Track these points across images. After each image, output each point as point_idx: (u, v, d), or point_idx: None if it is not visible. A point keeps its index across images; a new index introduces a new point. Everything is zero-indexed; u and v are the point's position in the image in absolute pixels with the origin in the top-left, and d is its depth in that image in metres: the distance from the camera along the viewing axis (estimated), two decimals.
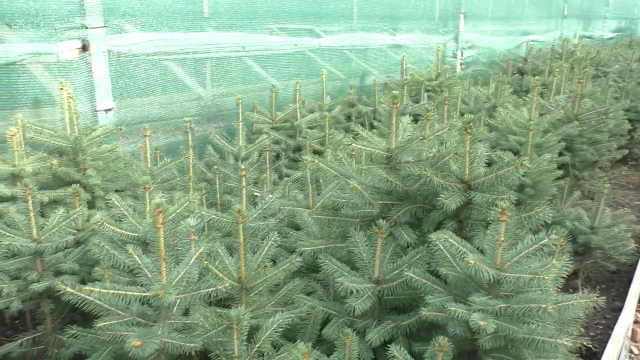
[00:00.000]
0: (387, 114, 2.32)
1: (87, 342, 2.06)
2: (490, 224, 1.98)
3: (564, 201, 4.01)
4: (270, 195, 3.36)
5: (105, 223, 2.17)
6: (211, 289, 1.79)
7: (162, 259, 1.75)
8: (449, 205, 2.09)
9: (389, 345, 1.84)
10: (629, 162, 6.63)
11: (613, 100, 5.96)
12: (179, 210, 2.41)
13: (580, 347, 3.01)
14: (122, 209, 2.35)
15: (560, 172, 3.90)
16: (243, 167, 2.41)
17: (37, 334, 2.41)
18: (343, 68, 6.49)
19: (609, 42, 16.66)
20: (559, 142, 4.23)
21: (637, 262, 3.85)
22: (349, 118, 5.64)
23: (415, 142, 2.20)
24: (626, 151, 5.52)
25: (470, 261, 1.71)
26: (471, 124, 2.12)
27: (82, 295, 1.72)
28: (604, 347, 2.94)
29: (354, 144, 2.27)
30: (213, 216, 2.49)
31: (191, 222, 2.12)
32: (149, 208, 2.27)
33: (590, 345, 3.06)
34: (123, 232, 2.22)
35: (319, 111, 5.38)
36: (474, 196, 2.17)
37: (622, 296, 3.74)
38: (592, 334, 3.29)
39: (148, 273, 1.82)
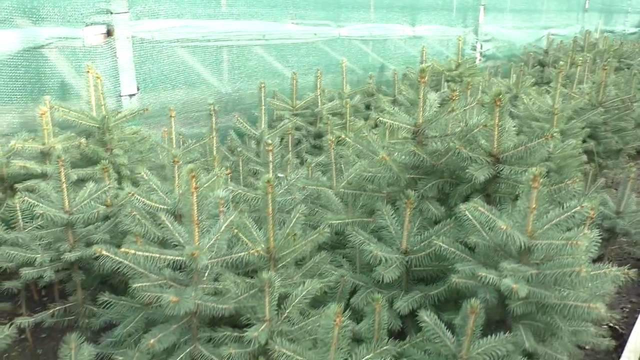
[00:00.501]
0: (413, 89, 2.32)
1: (118, 310, 2.10)
2: (518, 196, 1.98)
3: (588, 187, 3.96)
4: (295, 174, 3.39)
5: (135, 195, 2.21)
6: (243, 254, 1.80)
7: (194, 223, 1.77)
8: (478, 177, 2.08)
9: (417, 313, 1.84)
10: None
11: (637, 90, 5.87)
12: (206, 185, 2.44)
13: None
14: (151, 182, 2.38)
15: (585, 157, 3.86)
16: (270, 142, 2.43)
17: (68, 304, 2.46)
18: (362, 59, 6.48)
19: (631, 36, 16.38)
20: (583, 128, 4.18)
21: None
22: (368, 107, 5.63)
23: (444, 115, 2.19)
24: None
25: (502, 226, 1.71)
26: (501, 96, 2.11)
27: (118, 258, 1.75)
28: (630, 330, 2.91)
29: (381, 118, 2.27)
30: (240, 191, 2.51)
31: (220, 194, 2.15)
32: (177, 179, 2.30)
33: (617, 327, 3.02)
34: (153, 204, 2.25)
35: (339, 99, 5.39)
36: (503, 169, 2.16)
37: None
38: (617, 317, 3.24)
39: (180, 238, 1.85)
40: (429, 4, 7.51)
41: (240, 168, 3.50)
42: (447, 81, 6.22)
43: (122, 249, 1.67)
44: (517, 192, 2.19)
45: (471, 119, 2.33)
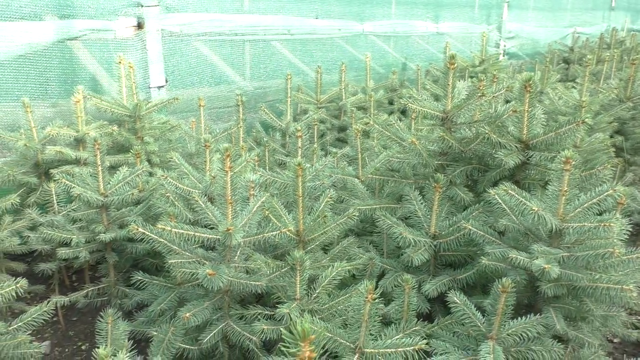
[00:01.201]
0: (443, 75, 2.33)
1: (151, 290, 2.15)
2: (548, 183, 1.98)
3: (616, 181, 3.91)
4: (322, 162, 3.42)
5: (168, 177, 2.26)
6: (275, 232, 1.84)
7: (228, 202, 1.82)
8: (507, 162, 2.09)
9: (446, 295, 1.85)
10: None
11: None
12: (238, 169, 2.49)
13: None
14: (183, 166, 2.44)
15: (612, 150, 3.81)
16: (299, 128, 2.46)
17: (101, 285, 2.52)
18: (384, 55, 6.49)
19: None
20: (611, 123, 4.13)
21: None
22: (391, 103, 5.64)
23: (474, 100, 2.20)
24: None
25: (534, 207, 1.71)
26: (531, 81, 2.11)
27: (154, 235, 1.80)
28: None
29: (410, 104, 2.29)
30: (269, 176, 2.55)
31: (251, 177, 2.19)
32: (209, 163, 2.35)
33: None
34: (185, 187, 2.30)
35: (362, 94, 5.42)
36: (532, 155, 2.16)
37: None
38: None
39: (214, 218, 1.89)
40: (452, 0, 7.49)
41: (267, 158, 3.54)
42: (471, 77, 6.19)
43: (159, 225, 1.72)
44: (546, 179, 2.19)
45: (500, 107, 2.33)
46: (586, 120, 2.05)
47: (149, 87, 4.08)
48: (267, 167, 3.56)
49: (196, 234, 1.77)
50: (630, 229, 2.13)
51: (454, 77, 2.28)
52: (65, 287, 3.22)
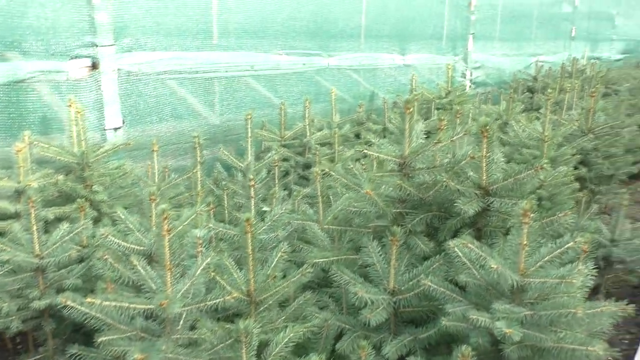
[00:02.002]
0: (399, 119, 2.26)
1: None
2: (510, 230, 1.90)
3: (582, 214, 3.89)
4: (279, 209, 3.30)
5: (109, 236, 2.10)
6: (218, 300, 1.70)
7: (167, 268, 1.67)
8: (467, 211, 2.00)
9: (406, 359, 1.73)
10: None
11: (626, 116, 5.86)
12: (186, 223, 2.34)
13: None
14: (127, 222, 2.28)
15: (577, 184, 3.80)
16: (252, 177, 2.34)
17: (38, 357, 2.31)
18: (351, 88, 6.48)
19: (616, 63, 16.62)
20: (574, 155, 4.14)
21: None
22: (357, 136, 5.58)
23: (430, 146, 2.12)
24: None
25: (493, 265, 1.61)
26: (488, 126, 2.05)
27: (84, 309, 1.64)
28: None
29: (366, 151, 2.20)
30: (221, 229, 2.42)
31: (198, 233, 2.05)
32: (154, 217, 2.20)
33: None
34: (128, 245, 2.14)
35: (328, 129, 5.35)
36: (493, 202, 2.08)
37: None
38: (617, 349, 3.12)
39: (152, 285, 1.74)
40: (418, 33, 7.57)
41: (225, 202, 3.41)
42: (437, 109, 6.21)
43: (88, 299, 1.56)
44: (508, 226, 2.11)
45: (460, 150, 2.26)
46: (545, 166, 1.98)
47: (105, 129, 3.93)
48: (226, 212, 3.42)
49: (131, 305, 1.62)
50: (596, 270, 2.07)
51: (410, 121, 2.21)
52: (7, 351, 2.97)
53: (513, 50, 10.36)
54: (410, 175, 2.27)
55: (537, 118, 5.29)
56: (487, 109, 6.31)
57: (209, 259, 1.84)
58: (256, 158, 4.60)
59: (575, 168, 4.30)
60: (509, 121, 5.79)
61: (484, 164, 2.07)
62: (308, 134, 4.53)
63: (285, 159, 4.45)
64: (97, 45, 3.76)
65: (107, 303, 1.58)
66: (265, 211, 3.36)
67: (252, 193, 2.36)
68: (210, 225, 2.42)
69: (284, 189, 4.16)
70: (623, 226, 3.47)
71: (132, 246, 2.17)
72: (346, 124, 5.47)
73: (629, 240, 3.48)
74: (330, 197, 3.71)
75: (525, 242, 1.67)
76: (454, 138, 2.24)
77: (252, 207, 2.39)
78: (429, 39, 7.86)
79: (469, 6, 8.52)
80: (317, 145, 4.19)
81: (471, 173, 2.14)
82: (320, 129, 5.31)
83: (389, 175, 2.25)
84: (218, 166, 4.06)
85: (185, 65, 4.49)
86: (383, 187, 2.34)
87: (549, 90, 4.22)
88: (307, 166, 4.48)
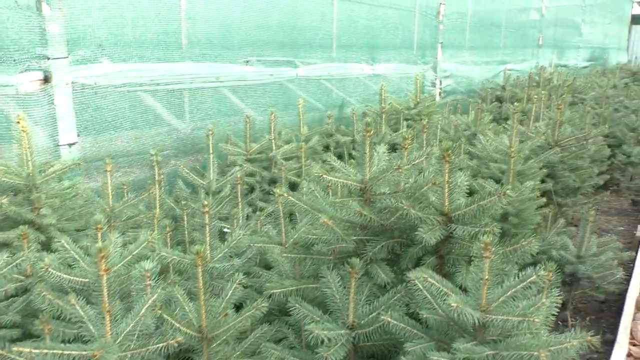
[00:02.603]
0: (360, 143, 2.17)
1: None
2: (473, 258, 1.83)
3: (549, 229, 3.88)
4: (240, 232, 3.18)
5: (50, 269, 1.95)
6: (161, 345, 1.57)
7: (105, 311, 1.54)
8: (428, 240, 1.92)
9: None
10: (611, 188, 6.58)
11: (592, 126, 5.95)
12: (136, 252, 2.20)
13: None
14: (72, 252, 2.13)
15: (544, 199, 3.79)
16: (206, 202, 2.22)
17: None
18: (321, 98, 6.40)
19: (583, 70, 17.05)
20: (541, 168, 4.13)
21: (625, 290, 3.70)
22: (327, 148, 5.50)
23: (390, 172, 2.04)
24: (607, 177, 5.46)
25: (453, 304, 1.53)
26: (449, 151, 1.98)
27: (12, 356, 1.49)
28: None
29: (325, 176, 2.10)
30: (174, 257, 2.29)
31: (146, 266, 1.92)
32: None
33: None
34: (71, 278, 1.99)
35: (296, 142, 5.25)
36: (455, 229, 2.01)
37: (613, 327, 3.58)
38: None
39: (92, 327, 1.60)
40: (387, 42, 7.55)
41: (185, 223, 3.27)
42: (407, 119, 6.18)
43: (15, 348, 1.42)
44: (471, 254, 2.04)
45: (422, 173, 2.18)
46: (507, 192, 1.92)
47: (58, 145, 3.74)
48: (186, 233, 3.27)
49: (64, 352, 1.48)
50: (559, 299, 2.01)
51: (370, 145, 2.12)
52: None
53: (482, 59, 10.48)
54: (372, 200, 2.19)
55: (505, 130, 5.31)
56: (455, 120, 6.31)
57: (155, 296, 1.72)
58: (221, 172, 4.48)
59: (542, 181, 4.30)
60: (477, 132, 5.80)
61: (446, 190, 2.00)
62: (274, 148, 4.42)
63: (250, 174, 4.34)
64: (48, 58, 3.58)
65: (37, 351, 1.44)
66: (226, 232, 3.25)
67: (207, 220, 2.24)
68: (163, 253, 2.29)
69: (249, 205, 4.05)
70: (589, 242, 3.46)
71: (76, 279, 2.02)
72: (314, 136, 5.38)
73: (595, 257, 3.48)
74: (296, 214, 3.62)
75: (487, 277, 1.60)
76: (416, 162, 2.17)
77: (207, 235, 2.26)
78: (398, 49, 7.86)
79: (438, 15, 8.56)
80: (282, 161, 4.09)
81: (433, 198, 2.07)
82: (288, 141, 5.21)
83: (350, 201, 2.16)
84: (180, 183, 3.91)
85: (146, 77, 4.33)
86: (345, 210, 2.26)
87: (516, 104, 4.20)
88: (274, 181, 4.37)
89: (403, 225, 2.11)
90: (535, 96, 6.28)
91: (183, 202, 3.26)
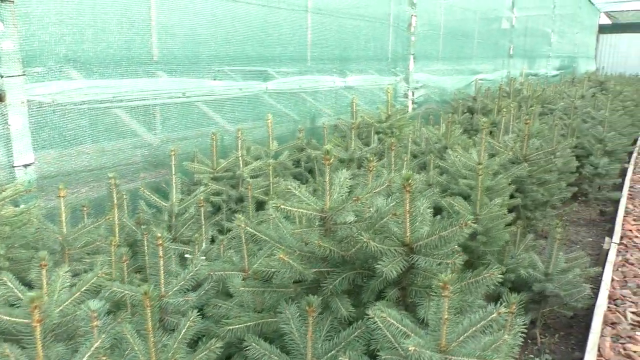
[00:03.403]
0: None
1: None
2: (433, 295, 1.77)
3: (517, 245, 3.87)
4: (200, 258, 3.08)
5: None
6: None
7: None
8: (389, 273, 1.86)
9: None
10: (579, 198, 6.66)
11: (560, 138, 6.01)
12: (84, 288, 2.09)
13: None
14: (15, 290, 2.01)
15: (512, 216, 3.78)
16: (159, 234, 2.12)
17: None
18: (292, 111, 6.34)
19: (553, 79, 17.41)
20: (510, 184, 4.13)
21: (593, 305, 3.71)
22: (297, 163, 5.43)
23: (350, 203, 1.98)
24: (576, 188, 5.51)
25: (410, 347, 1.47)
26: (410, 180, 1.92)
27: None
28: None
29: (283, 206, 2.03)
30: (127, 291, 2.17)
31: (92, 306, 1.81)
32: (46, 286, 1.94)
33: None
34: (12, 319, 1.87)
35: (265, 157, 5.16)
36: (417, 260, 1.95)
37: (581, 344, 3.58)
38: None
39: None
40: (359, 54, 7.54)
41: (146, 249, 3.15)
42: (378, 133, 6.16)
43: None
44: (433, 285, 1.99)
45: (386, 200, 2.12)
46: (469, 222, 1.87)
47: (13, 167, 3.58)
48: (147, 258, 3.15)
49: None
50: (524, 330, 1.97)
51: (330, 173, 2.06)
52: None
53: (454, 69, 10.57)
54: (332, 229, 2.12)
55: (474, 143, 5.31)
56: (427, 133, 6.31)
57: (98, 342, 1.61)
58: (187, 191, 4.36)
59: (512, 196, 4.31)
60: (448, 146, 5.81)
61: (407, 221, 1.94)
62: (241, 165, 4.33)
63: (217, 193, 4.23)
64: (2, 76, 3.43)
65: None
66: (188, 257, 3.14)
67: (161, 252, 2.13)
68: (115, 288, 2.18)
69: (215, 226, 3.95)
70: (557, 259, 3.46)
71: (18, 320, 1.90)
72: (285, 151, 5.31)
73: (563, 274, 3.47)
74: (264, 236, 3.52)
75: (446, 317, 1.54)
76: (377, 190, 2.11)
77: (161, 269, 2.16)
78: (370, 60, 7.85)
79: (409, 27, 8.60)
80: (249, 180, 3.99)
81: (395, 228, 2.01)
82: (257, 157, 5.13)
83: (310, 231, 2.08)
84: (142, 204, 3.78)
85: (108, 93, 4.20)
86: (306, 237, 2.18)
87: (484, 120, 4.20)
88: (241, 200, 4.27)
89: (364, 256, 2.05)
90: (505, 109, 6.33)
91: (143, 227, 3.14)
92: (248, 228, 2.13)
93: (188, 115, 4.99)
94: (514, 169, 4.26)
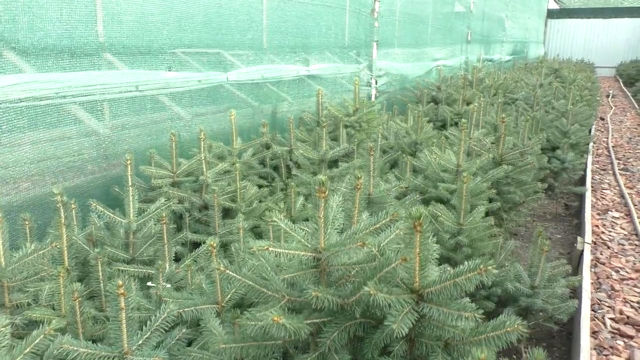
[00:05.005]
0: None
1: None
2: (449, 343, 1.53)
3: (499, 252, 3.73)
4: (167, 285, 2.73)
5: None
6: None
7: None
8: (400, 330, 1.59)
9: None
10: (545, 192, 6.66)
11: (530, 134, 5.93)
12: (28, 350, 1.71)
13: None
14: None
15: (491, 219, 3.62)
16: (120, 283, 1.76)
17: None
18: (254, 102, 5.94)
19: (507, 64, 17.65)
20: (490, 188, 3.96)
21: (575, 313, 3.62)
22: (262, 163, 5.09)
23: (350, 247, 1.69)
24: (545, 185, 5.45)
25: None
26: (421, 219, 1.65)
27: None
28: None
29: (271, 249, 1.71)
30: (82, 349, 1.81)
31: None
32: None
33: None
34: None
35: (229, 156, 4.79)
36: (429, 310, 1.69)
37: (565, 357, 3.50)
38: None
39: None
40: (321, 42, 7.18)
41: (100, 274, 2.76)
42: (346, 127, 5.87)
43: None
44: (446, 338, 1.74)
45: (386, 237, 1.85)
46: (489, 268, 1.63)
47: None
48: (102, 286, 2.76)
49: None
50: None
51: (325, 209, 1.75)
52: None
53: (414, 56, 10.40)
54: (328, 271, 1.83)
55: (449, 143, 5.13)
56: (395, 126, 6.09)
57: None
58: (145, 199, 3.95)
59: (490, 200, 4.14)
60: (418, 141, 5.61)
61: (417, 265, 1.68)
62: (204, 170, 3.94)
63: (179, 201, 3.84)
64: None
65: None
66: (151, 286, 2.78)
67: (122, 303, 1.77)
68: (67, 346, 1.80)
69: (178, 241, 3.57)
70: (543, 273, 3.32)
71: None
72: (249, 149, 4.96)
73: (549, 287, 3.35)
74: (234, 250, 3.21)
75: None
76: (377, 225, 1.83)
77: (123, 324, 1.80)
78: (333, 47, 7.52)
79: (372, 13, 8.30)
80: (214, 188, 3.62)
81: (403, 273, 1.74)
82: (220, 156, 4.75)
83: (302, 275, 1.78)
84: (94, 217, 3.35)
85: (49, 89, 3.69)
86: (296, 277, 1.88)
87: (463, 121, 3.99)
88: (205, 207, 3.90)
89: (366, 305, 1.77)
90: (472, 100, 6.19)
91: (97, 250, 2.74)
92: (229, 272, 1.80)
93: (141, 112, 4.52)
94: (493, 172, 4.09)
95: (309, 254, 1.78)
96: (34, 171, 3.71)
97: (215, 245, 2.30)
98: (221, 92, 5.44)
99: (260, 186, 4.79)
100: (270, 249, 1.72)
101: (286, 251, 1.74)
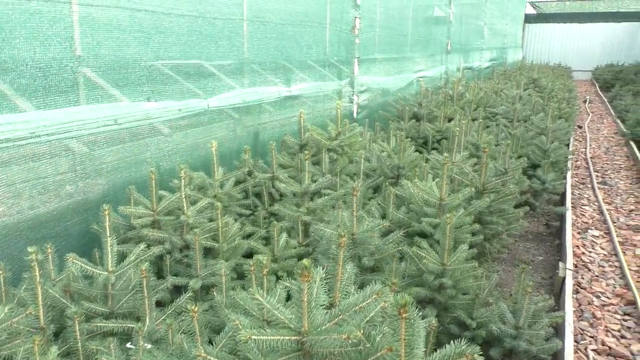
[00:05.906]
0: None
1: None
2: None
3: (483, 289, 3.73)
4: (148, 346, 2.67)
5: None
6: None
7: None
8: None
9: None
10: (527, 211, 6.70)
11: (512, 157, 5.97)
12: None
13: None
14: None
15: (474, 252, 3.63)
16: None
17: None
18: (236, 127, 5.88)
19: (486, 70, 17.84)
20: (474, 222, 3.97)
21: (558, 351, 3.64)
22: (245, 193, 5.03)
23: (337, 338, 1.65)
24: (527, 208, 5.49)
25: None
26: (406, 307, 1.62)
27: None
28: None
29: (254, 337, 1.67)
30: None
31: None
32: None
33: None
34: None
35: (210, 188, 4.72)
36: None
37: None
38: None
39: None
40: (302, 62, 7.15)
41: (77, 333, 2.68)
42: (329, 150, 5.84)
43: None
44: None
45: (375, 318, 1.82)
46: (475, 356, 1.61)
47: None
48: (80, 346, 2.69)
49: None
50: None
51: (309, 293, 1.72)
52: None
53: (395, 69, 10.42)
54: (312, 353, 1.79)
55: (432, 167, 5.13)
56: (377, 148, 6.07)
57: None
58: (124, 239, 3.87)
59: (473, 233, 4.15)
60: (400, 165, 5.60)
61: (403, 353, 1.65)
62: (185, 209, 3.87)
63: (160, 242, 3.77)
64: None
65: None
66: (130, 348, 2.71)
67: None
68: None
69: (162, 284, 3.50)
70: (528, 312, 3.33)
71: None
72: (231, 179, 4.89)
73: (532, 327, 3.36)
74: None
75: None
76: (362, 305, 1.80)
77: None
78: (313, 67, 7.49)
79: (353, 30, 8.29)
80: (196, 230, 3.56)
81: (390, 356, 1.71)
82: (201, 187, 4.69)
83: (286, 359, 1.74)
84: (71, 267, 3.24)
85: (23, 130, 3.59)
86: None
87: (445, 155, 3.99)
88: (187, 247, 3.83)
89: None
90: (454, 118, 6.21)
91: (73, 310, 2.66)
92: (204, 356, 1.75)
93: (121, 147, 4.43)
94: (476, 204, 4.10)
95: (293, 337, 1.74)
96: (7, 212, 3.60)
97: (200, 352, 2.13)
98: (202, 120, 5.37)
99: (241, 215, 4.74)
100: (254, 337, 1.67)
101: (269, 338, 1.70)
